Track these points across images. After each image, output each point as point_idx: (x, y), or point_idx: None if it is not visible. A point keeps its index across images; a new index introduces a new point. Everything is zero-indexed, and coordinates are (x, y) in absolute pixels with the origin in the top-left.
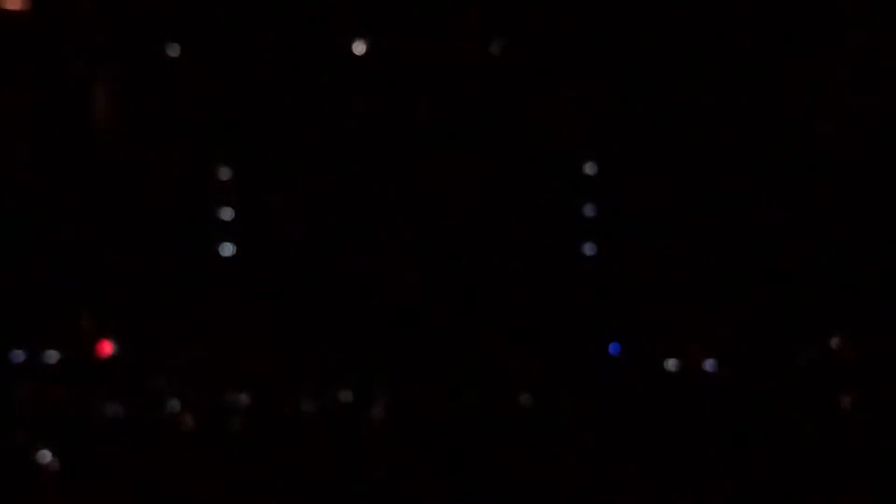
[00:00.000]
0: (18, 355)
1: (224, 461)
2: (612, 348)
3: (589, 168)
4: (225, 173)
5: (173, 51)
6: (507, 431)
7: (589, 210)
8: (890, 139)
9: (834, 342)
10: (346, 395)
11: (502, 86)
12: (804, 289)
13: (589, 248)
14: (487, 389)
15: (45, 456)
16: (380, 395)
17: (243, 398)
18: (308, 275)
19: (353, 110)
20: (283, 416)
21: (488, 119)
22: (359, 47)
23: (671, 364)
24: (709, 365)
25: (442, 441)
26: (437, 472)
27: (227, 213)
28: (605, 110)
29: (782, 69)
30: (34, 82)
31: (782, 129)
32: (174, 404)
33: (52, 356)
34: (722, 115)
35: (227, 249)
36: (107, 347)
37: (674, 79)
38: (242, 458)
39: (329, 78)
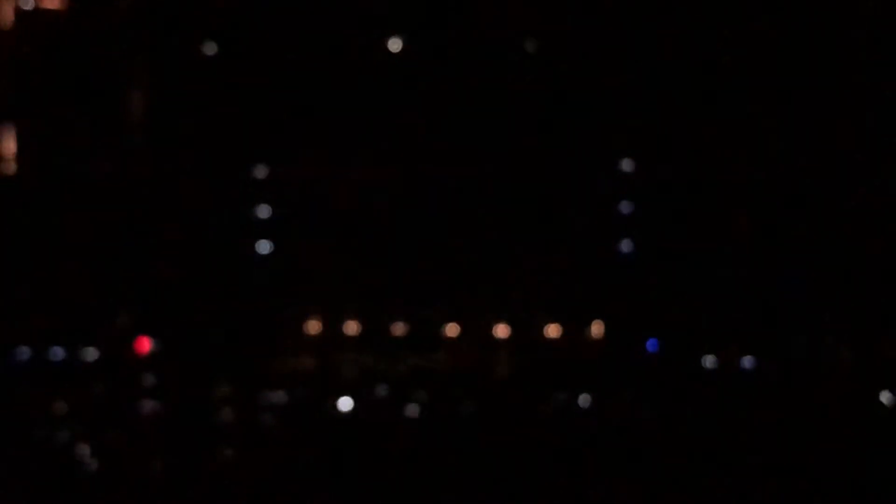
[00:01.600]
0: (57, 353)
1: (261, 458)
2: (650, 345)
3: (626, 165)
4: (261, 171)
5: (210, 49)
6: (543, 429)
7: (625, 207)
8: None
9: (874, 342)
10: (381, 392)
11: (537, 82)
12: (844, 288)
13: (626, 245)
14: (522, 386)
15: (84, 451)
16: (414, 392)
17: (280, 395)
18: (344, 273)
19: (389, 106)
20: (319, 414)
21: (523, 116)
22: (394, 44)
23: (709, 361)
24: (747, 362)
25: (476, 439)
26: (469, 466)
27: (264, 211)
28: (642, 107)
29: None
30: (72, 80)
31: (819, 137)
32: (211, 401)
33: (91, 354)
34: (764, 113)
35: (265, 247)
36: (145, 345)
37: (712, 78)
38: (279, 455)
39: (365, 74)
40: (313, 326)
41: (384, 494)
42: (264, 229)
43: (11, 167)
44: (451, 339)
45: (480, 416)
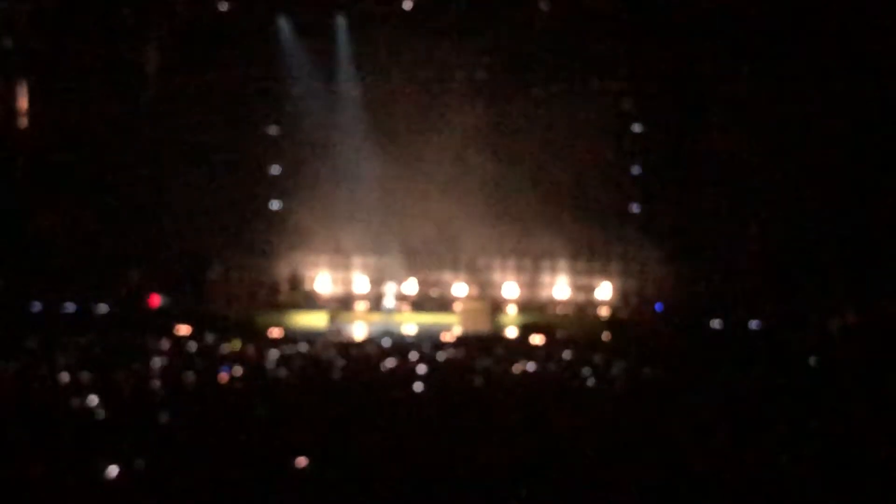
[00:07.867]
0: (69, 307)
1: (269, 410)
2: (657, 307)
3: (637, 128)
4: (274, 131)
5: (223, 6)
6: (552, 386)
7: (636, 170)
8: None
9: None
10: (387, 347)
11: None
12: (842, 262)
13: (636, 208)
14: (532, 345)
15: (93, 401)
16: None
17: (288, 348)
18: (355, 233)
19: (393, 63)
20: (327, 370)
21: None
22: (407, 3)
23: (716, 323)
24: (754, 324)
25: (486, 397)
26: (477, 423)
27: (275, 170)
28: (650, 75)
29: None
30: (82, 35)
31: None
32: (220, 355)
33: (102, 308)
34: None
35: (275, 205)
36: (155, 300)
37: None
38: (288, 407)
39: (375, 32)
40: (323, 285)
41: (391, 446)
42: (275, 188)
43: (24, 122)
44: (460, 299)
45: (490, 375)
